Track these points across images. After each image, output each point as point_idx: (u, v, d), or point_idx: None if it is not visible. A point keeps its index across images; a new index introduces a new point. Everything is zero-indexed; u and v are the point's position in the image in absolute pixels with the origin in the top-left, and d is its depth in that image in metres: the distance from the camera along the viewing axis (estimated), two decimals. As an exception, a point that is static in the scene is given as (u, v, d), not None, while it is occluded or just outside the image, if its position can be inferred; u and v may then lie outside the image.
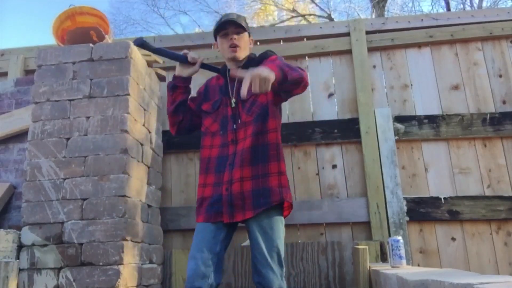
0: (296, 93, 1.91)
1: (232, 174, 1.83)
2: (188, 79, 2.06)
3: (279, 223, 1.87)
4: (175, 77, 2.06)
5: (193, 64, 2.02)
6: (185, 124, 2.10)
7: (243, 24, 1.98)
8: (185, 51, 2.04)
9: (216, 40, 2.06)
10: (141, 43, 1.96)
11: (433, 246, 2.80)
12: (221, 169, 1.87)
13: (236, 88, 1.94)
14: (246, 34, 2.01)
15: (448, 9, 9.93)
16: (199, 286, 1.73)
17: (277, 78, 1.60)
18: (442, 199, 2.83)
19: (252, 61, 1.99)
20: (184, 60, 2.01)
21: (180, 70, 2.04)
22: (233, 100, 1.95)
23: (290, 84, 1.76)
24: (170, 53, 2.04)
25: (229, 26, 1.97)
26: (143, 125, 2.70)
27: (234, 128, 1.91)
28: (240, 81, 1.71)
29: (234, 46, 1.96)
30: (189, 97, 2.12)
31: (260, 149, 1.87)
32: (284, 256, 1.84)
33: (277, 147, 1.91)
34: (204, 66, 2.08)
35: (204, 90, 2.11)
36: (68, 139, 2.45)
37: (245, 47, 2.00)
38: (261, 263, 1.78)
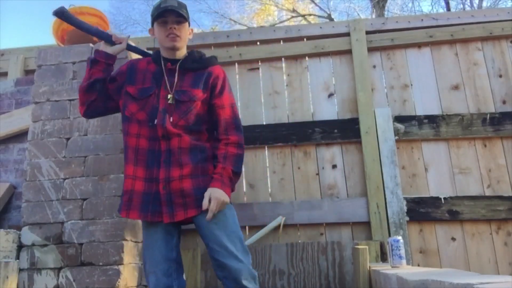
0: None
1: (170, 172, 1.74)
2: (112, 57, 1.92)
3: (231, 208, 1.80)
4: (97, 51, 1.92)
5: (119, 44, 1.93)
6: (97, 106, 1.94)
7: (184, 13, 1.85)
8: (110, 30, 1.95)
9: (152, 26, 1.91)
10: (61, 12, 1.82)
11: (433, 246, 2.80)
12: (154, 164, 1.77)
13: (176, 82, 1.85)
14: (186, 23, 1.89)
15: (448, 9, 9.93)
16: None
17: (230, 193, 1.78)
18: (442, 199, 2.83)
19: (194, 61, 1.90)
20: (108, 39, 1.91)
21: (105, 47, 1.92)
22: (170, 95, 1.83)
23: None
24: (94, 29, 1.93)
25: (169, 15, 1.83)
26: (143, 125, 2.70)
27: (164, 124, 1.78)
28: (177, 75, 1.85)
29: (174, 36, 1.84)
30: (110, 78, 1.96)
31: (198, 149, 1.80)
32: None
33: (212, 153, 1.85)
34: (131, 47, 1.99)
35: (128, 71, 1.93)
36: (68, 139, 2.45)
37: (185, 37, 1.89)
38: (223, 255, 1.68)
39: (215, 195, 1.70)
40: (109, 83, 1.93)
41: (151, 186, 1.76)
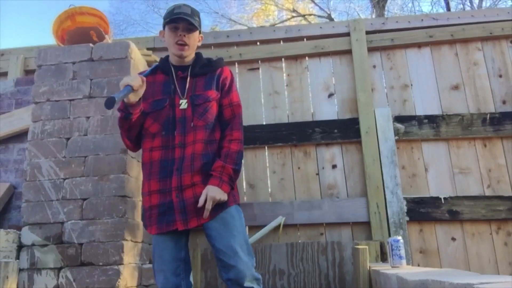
0: None
1: (181, 180, 1.75)
2: (139, 101, 1.78)
3: (238, 209, 1.83)
4: (125, 107, 1.76)
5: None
6: (137, 137, 1.90)
7: (196, 22, 1.85)
8: (124, 81, 1.71)
9: (164, 28, 1.90)
10: (111, 103, 1.58)
11: (433, 246, 2.80)
12: (167, 174, 1.77)
13: (188, 88, 1.85)
14: (197, 32, 1.89)
15: (448, 9, 9.92)
16: None
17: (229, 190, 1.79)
18: (442, 199, 2.83)
19: (204, 66, 1.93)
20: (131, 91, 1.70)
21: (127, 99, 1.73)
22: (184, 101, 1.84)
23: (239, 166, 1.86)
24: (121, 96, 1.68)
25: (180, 21, 1.83)
26: (143, 125, 2.70)
27: (184, 131, 1.79)
28: (189, 81, 1.86)
29: (182, 44, 1.84)
30: None
31: (210, 155, 1.81)
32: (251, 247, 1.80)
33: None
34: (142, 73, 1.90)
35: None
36: (68, 139, 2.45)
37: (193, 45, 1.90)
38: (229, 256, 1.68)
39: (211, 194, 1.72)
40: None
41: (165, 196, 1.77)
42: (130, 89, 1.69)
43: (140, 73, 1.94)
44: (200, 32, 1.94)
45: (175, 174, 1.76)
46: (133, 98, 1.72)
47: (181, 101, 1.84)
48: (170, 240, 1.77)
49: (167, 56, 1.96)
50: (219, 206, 1.76)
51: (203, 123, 1.82)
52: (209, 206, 1.71)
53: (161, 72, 1.93)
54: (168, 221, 1.76)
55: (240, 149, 1.86)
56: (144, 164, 1.86)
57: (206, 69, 1.92)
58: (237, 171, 1.83)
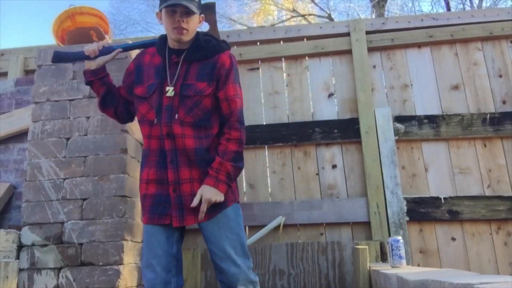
0: None
1: (179, 174, 1.67)
2: (98, 71, 1.80)
3: (236, 209, 1.73)
4: (84, 72, 1.82)
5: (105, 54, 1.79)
6: (122, 114, 1.88)
7: (195, 5, 1.71)
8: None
9: (160, 10, 1.75)
10: (58, 57, 1.85)
11: (433, 246, 2.80)
12: (163, 165, 1.68)
13: (179, 75, 1.73)
14: (196, 15, 1.74)
15: (448, 9, 9.92)
16: None
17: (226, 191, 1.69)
18: (442, 199, 2.83)
19: (200, 49, 1.76)
20: (83, 57, 1.80)
21: (87, 63, 1.80)
22: (171, 89, 1.70)
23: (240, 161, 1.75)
24: (74, 55, 1.88)
25: (178, 6, 1.69)
26: (143, 125, 2.70)
27: (169, 121, 1.67)
28: (181, 67, 1.74)
29: (180, 29, 1.70)
30: (122, 81, 1.88)
31: (204, 151, 1.70)
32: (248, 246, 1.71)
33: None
34: (128, 47, 1.89)
35: (136, 70, 1.83)
36: (68, 139, 2.44)
37: (193, 29, 1.75)
38: (221, 258, 1.62)
39: (206, 196, 1.63)
40: (121, 86, 1.87)
41: (162, 188, 1.68)
42: (82, 53, 1.78)
43: (141, 45, 1.92)
44: (200, 14, 1.79)
45: (170, 167, 1.67)
46: (88, 64, 1.79)
47: (167, 88, 1.70)
48: (162, 234, 1.67)
49: (166, 36, 1.81)
50: (217, 207, 1.67)
51: (191, 120, 1.69)
52: (204, 208, 1.62)
53: (158, 54, 1.80)
54: (161, 214, 1.67)
55: (239, 149, 1.72)
56: (144, 151, 1.78)
57: (202, 53, 1.75)
58: (237, 168, 1.72)
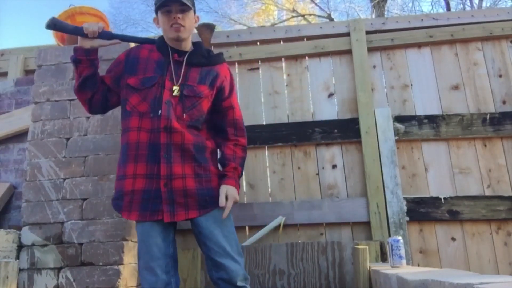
0: None
1: (172, 169, 1.68)
2: (91, 52, 1.78)
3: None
4: (75, 49, 1.79)
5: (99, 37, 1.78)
6: (97, 102, 1.86)
7: (189, 1, 1.77)
8: (85, 24, 1.79)
9: (156, 14, 1.82)
10: (53, 25, 1.80)
11: (433, 246, 2.80)
12: (154, 159, 1.69)
13: (183, 75, 1.78)
14: (191, 12, 1.80)
15: (448, 9, 9.92)
16: None
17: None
18: (442, 199, 2.83)
19: (202, 57, 1.85)
20: (80, 33, 1.77)
21: (82, 41, 1.78)
22: (176, 87, 1.76)
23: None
24: (67, 26, 1.83)
25: (172, 4, 1.74)
26: (143, 125, 2.70)
27: (169, 114, 1.71)
28: (184, 68, 1.79)
29: (177, 26, 1.75)
30: (107, 70, 1.89)
31: (200, 148, 1.76)
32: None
33: (212, 152, 1.84)
34: (127, 38, 1.89)
35: (127, 60, 1.85)
36: (68, 139, 2.45)
37: (190, 27, 1.80)
38: (220, 254, 1.65)
39: (232, 194, 1.73)
40: (106, 75, 1.87)
41: (151, 183, 1.68)
42: (81, 30, 1.75)
43: (141, 43, 1.93)
44: (195, 13, 1.85)
45: (163, 161, 1.68)
46: (82, 42, 1.77)
47: (174, 87, 1.76)
48: (158, 236, 1.68)
49: (163, 37, 1.87)
50: (213, 203, 1.72)
51: (188, 119, 1.75)
52: (230, 205, 1.72)
53: (157, 51, 1.84)
54: (153, 210, 1.68)
55: (244, 155, 1.88)
56: (129, 144, 1.73)
57: (203, 61, 1.84)
58: (241, 175, 1.88)
